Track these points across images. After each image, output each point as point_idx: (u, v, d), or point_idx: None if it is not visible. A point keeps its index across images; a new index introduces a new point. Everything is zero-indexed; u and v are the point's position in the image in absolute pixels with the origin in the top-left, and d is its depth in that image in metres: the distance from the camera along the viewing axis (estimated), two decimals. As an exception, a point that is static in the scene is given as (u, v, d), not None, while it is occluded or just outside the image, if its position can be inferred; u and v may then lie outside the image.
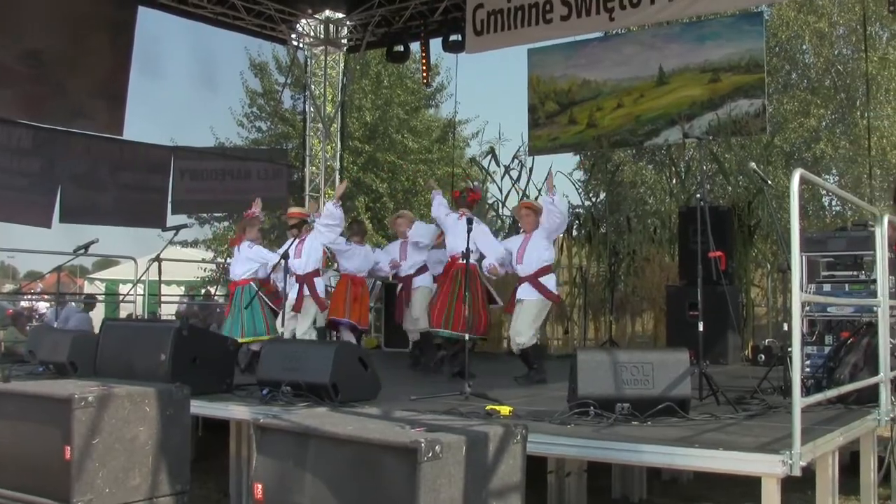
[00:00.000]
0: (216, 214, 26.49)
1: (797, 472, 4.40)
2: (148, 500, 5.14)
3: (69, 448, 4.84)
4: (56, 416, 4.95)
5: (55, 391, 5.15)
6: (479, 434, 3.91)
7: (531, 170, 15.71)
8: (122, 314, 15.33)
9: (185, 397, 5.47)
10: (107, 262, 30.33)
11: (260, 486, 4.21)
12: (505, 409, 6.03)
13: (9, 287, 26.08)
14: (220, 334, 9.06)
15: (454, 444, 3.72)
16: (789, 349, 4.81)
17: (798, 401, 4.42)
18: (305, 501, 4.00)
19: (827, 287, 7.40)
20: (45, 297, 13.87)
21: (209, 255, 27.93)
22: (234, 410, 6.85)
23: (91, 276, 34.71)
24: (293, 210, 10.89)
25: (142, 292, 14.19)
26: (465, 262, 8.12)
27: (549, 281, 8.88)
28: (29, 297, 20.63)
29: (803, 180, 4.65)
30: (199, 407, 6.94)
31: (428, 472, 3.57)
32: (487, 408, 6.12)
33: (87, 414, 4.90)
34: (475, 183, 18.37)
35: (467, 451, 3.77)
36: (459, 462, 3.72)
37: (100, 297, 19.71)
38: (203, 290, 25.43)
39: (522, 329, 8.82)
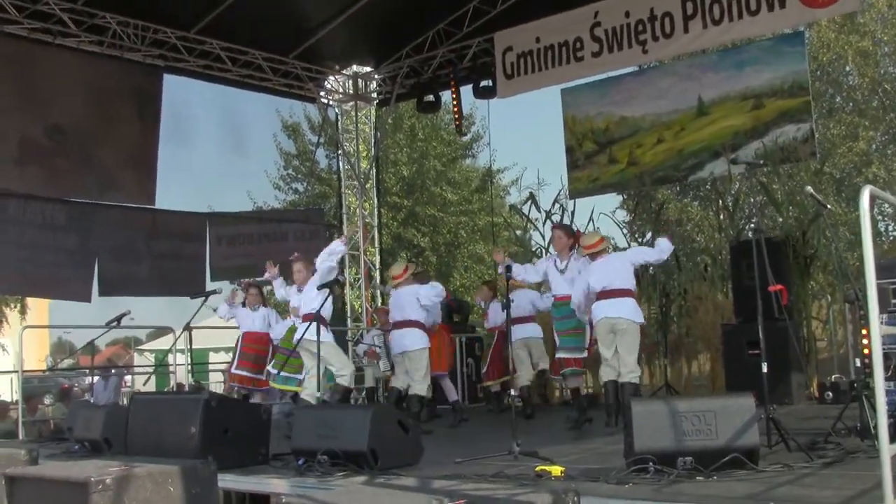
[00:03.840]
0: (257, 279, 26.41)
1: (890, 533, 3.88)
2: (177, 587, 4.76)
3: (88, 536, 4.51)
4: (74, 501, 4.64)
5: (72, 474, 4.86)
6: (524, 505, 3.48)
7: (573, 213, 15.36)
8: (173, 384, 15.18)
9: (211, 474, 5.11)
10: (159, 332, 30.44)
11: (287, 572, 3.81)
12: (556, 469, 5.59)
13: (67, 362, 26.16)
14: (252, 403, 8.80)
15: (496, 520, 3.29)
16: (865, 384, 4.35)
17: (886, 447, 3.89)
18: (336, 590, 3.59)
19: (900, 317, 6.87)
20: (92, 371, 13.67)
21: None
22: (269, 484, 6.46)
23: (141, 347, 34.79)
24: None
25: (182, 362, 13.98)
26: None
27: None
28: (80, 371, 20.63)
29: (873, 198, 4.19)
30: (232, 481, 6.64)
31: (468, 554, 3.14)
32: (537, 469, 5.69)
33: (104, 498, 4.59)
34: (518, 232, 18.07)
35: (512, 526, 3.33)
36: (503, 539, 3.29)
37: (137, 369, 19.56)
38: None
39: None
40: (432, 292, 10.16)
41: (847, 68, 24.79)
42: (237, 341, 12.03)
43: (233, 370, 11.84)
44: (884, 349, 6.64)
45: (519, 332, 10.24)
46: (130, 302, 13.96)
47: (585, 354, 9.63)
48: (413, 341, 9.94)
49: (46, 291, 15.19)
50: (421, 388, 9.84)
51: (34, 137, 13.04)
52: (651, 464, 5.24)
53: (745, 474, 5.16)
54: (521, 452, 6.55)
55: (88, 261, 14.07)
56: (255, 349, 11.74)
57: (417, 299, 10.04)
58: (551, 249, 9.49)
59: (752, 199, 13.80)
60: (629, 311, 8.73)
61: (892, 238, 23.27)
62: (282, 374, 9.93)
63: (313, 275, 9.49)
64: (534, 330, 10.92)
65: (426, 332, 10.11)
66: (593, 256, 9.06)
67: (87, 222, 14.02)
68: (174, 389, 14.48)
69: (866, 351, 6.20)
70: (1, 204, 13.13)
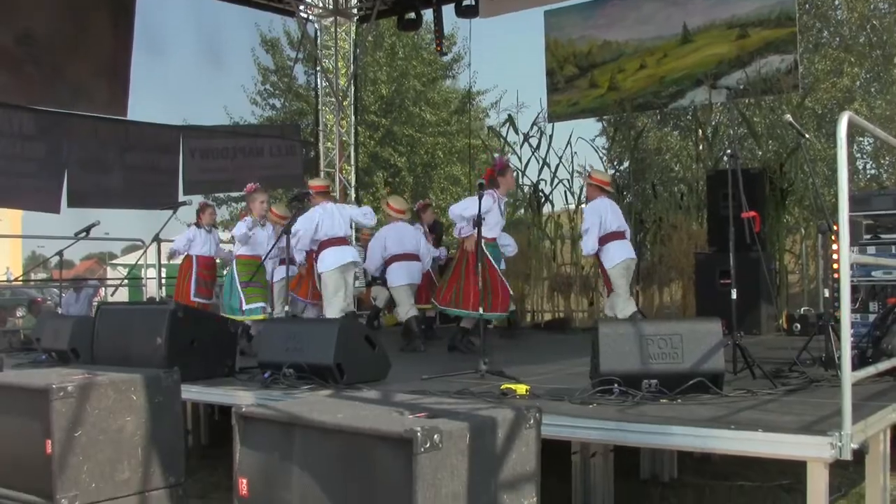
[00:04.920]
0: (232, 195, 26.27)
1: (847, 456, 3.90)
2: (139, 494, 4.78)
3: (50, 442, 4.51)
4: (35, 408, 4.63)
5: (34, 381, 4.81)
6: (485, 420, 3.45)
7: (551, 136, 15.28)
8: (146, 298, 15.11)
9: (174, 383, 5.08)
10: (133, 246, 30.27)
11: (244, 480, 3.78)
12: (521, 388, 5.60)
13: (41, 276, 26.03)
14: (220, 316, 8.75)
15: (456, 433, 3.26)
16: (831, 315, 4.36)
17: (848, 375, 3.90)
18: (294, 498, 3.57)
19: (871, 250, 6.89)
20: (61, 283, 13.56)
21: (227, 235, 27.60)
22: (235, 395, 6.45)
23: (115, 261, 34.58)
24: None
25: (154, 275, 13.91)
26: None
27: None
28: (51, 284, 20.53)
29: (851, 125, 4.13)
30: (197, 392, 6.66)
31: (426, 465, 3.11)
32: (503, 387, 5.69)
33: (67, 405, 4.56)
34: (495, 155, 17.93)
35: (472, 440, 3.31)
36: (462, 452, 3.26)
37: (110, 282, 19.43)
38: (225, 272, 25.14)
39: None
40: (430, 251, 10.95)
41: (836, 2, 24.55)
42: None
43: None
44: (851, 281, 6.71)
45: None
46: (104, 215, 13.85)
47: None
48: (420, 275, 10.57)
49: (13, 201, 15.02)
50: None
51: (4, 44, 12.76)
52: (616, 385, 5.24)
53: (709, 398, 5.16)
54: (487, 371, 6.55)
55: (58, 171, 13.93)
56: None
57: (419, 238, 10.66)
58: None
59: (731, 131, 13.76)
60: None
61: (869, 176, 23.24)
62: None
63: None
64: None
65: None
66: (606, 194, 9.42)
67: (57, 132, 13.85)
68: (146, 303, 14.37)
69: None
70: (-32, 111, 12.93)
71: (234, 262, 9.85)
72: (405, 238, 10.41)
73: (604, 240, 9.26)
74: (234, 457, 3.81)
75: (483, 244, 8.16)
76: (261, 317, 9.47)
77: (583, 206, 14.20)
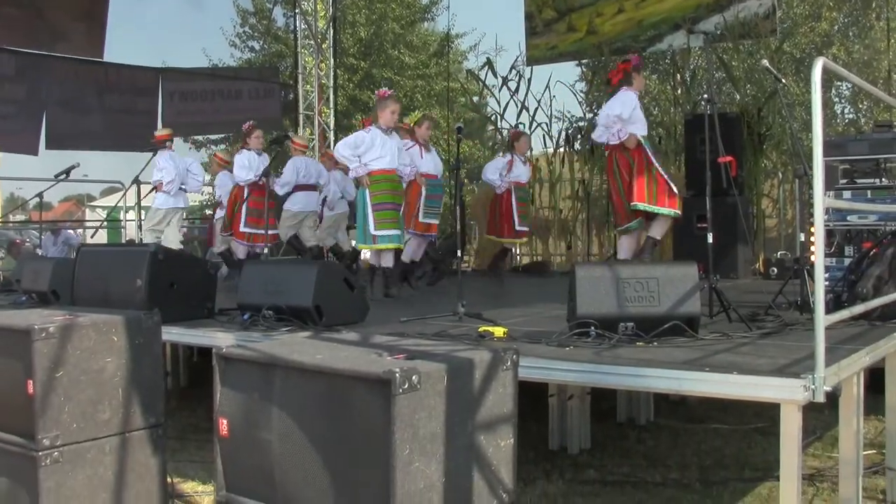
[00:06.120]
0: (211, 137, 26.11)
1: (820, 398, 3.93)
2: (119, 434, 4.79)
3: (31, 382, 4.51)
4: (17, 349, 4.60)
5: (15, 322, 4.78)
6: (463, 361, 3.49)
7: (529, 80, 15.24)
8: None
9: (155, 325, 5.08)
10: (112, 188, 30.11)
11: (225, 421, 3.82)
12: (499, 331, 5.63)
13: (20, 218, 25.78)
14: (200, 257, 8.72)
15: (434, 374, 3.29)
16: (807, 260, 4.39)
17: (822, 318, 3.91)
18: (273, 438, 3.61)
19: (847, 194, 6.95)
20: (41, 225, 13.47)
21: (206, 178, 27.45)
22: (214, 337, 6.47)
23: (94, 203, 34.39)
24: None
25: (133, 218, 13.86)
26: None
27: None
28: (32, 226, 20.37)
29: (826, 71, 4.14)
30: (177, 334, 6.68)
31: (404, 406, 3.15)
32: (480, 329, 5.72)
33: (48, 345, 4.54)
34: (474, 98, 17.84)
35: (449, 381, 3.34)
36: (440, 393, 3.30)
37: (88, 224, 19.36)
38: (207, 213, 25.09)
39: None
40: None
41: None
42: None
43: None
44: (827, 225, 6.77)
45: None
46: (83, 157, 13.77)
47: None
48: (318, 204, 12.01)
49: (-7, 143, 14.98)
50: None
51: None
52: (593, 328, 5.24)
53: (685, 341, 5.18)
54: (465, 314, 6.57)
55: (36, 113, 13.88)
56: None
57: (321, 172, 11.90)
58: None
59: (709, 75, 13.76)
60: None
61: (847, 121, 23.30)
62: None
63: None
64: None
65: None
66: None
67: (36, 74, 13.80)
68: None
69: (812, 229, 6.28)
70: (-53, 51, 12.86)
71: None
72: (311, 170, 11.58)
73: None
74: (215, 397, 3.83)
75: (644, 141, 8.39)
76: (395, 245, 8.75)
77: (561, 149, 14.37)
